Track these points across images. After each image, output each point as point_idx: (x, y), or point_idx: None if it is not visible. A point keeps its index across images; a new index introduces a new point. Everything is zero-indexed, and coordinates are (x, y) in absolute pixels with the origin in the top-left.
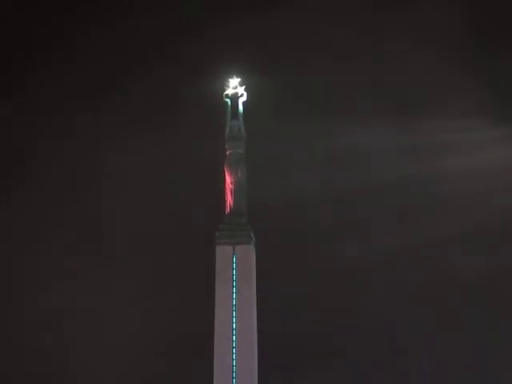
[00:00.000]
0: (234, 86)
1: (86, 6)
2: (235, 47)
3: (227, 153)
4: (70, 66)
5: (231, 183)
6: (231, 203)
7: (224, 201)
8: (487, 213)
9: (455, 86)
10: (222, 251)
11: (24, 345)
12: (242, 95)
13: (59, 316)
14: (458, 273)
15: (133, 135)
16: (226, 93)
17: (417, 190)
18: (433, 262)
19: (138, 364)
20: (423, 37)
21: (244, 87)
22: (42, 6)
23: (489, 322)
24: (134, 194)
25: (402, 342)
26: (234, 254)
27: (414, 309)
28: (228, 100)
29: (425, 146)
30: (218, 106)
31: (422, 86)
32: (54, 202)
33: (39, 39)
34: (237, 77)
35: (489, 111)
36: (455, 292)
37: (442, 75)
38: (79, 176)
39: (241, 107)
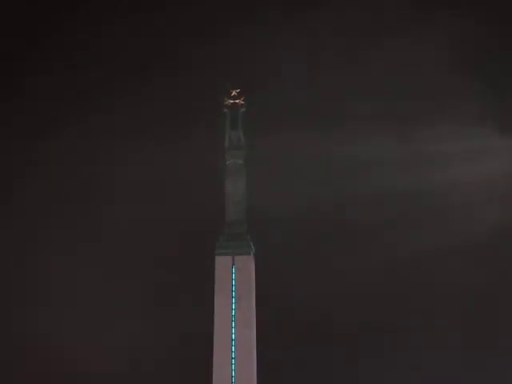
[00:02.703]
0: (234, 97)
1: (86, 13)
2: (235, 58)
3: (227, 163)
4: (70, 73)
5: (231, 193)
6: (231, 213)
7: (223, 211)
8: (486, 222)
9: (453, 95)
10: (222, 262)
11: (20, 352)
12: (241, 105)
13: (59, 325)
14: (457, 282)
15: (133, 145)
16: (225, 103)
17: (415, 199)
18: (432, 271)
19: (137, 374)
20: (426, 44)
21: (243, 98)
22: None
23: (486, 327)
24: (133, 204)
25: (402, 352)
26: (233, 265)
27: (413, 320)
28: (228, 110)
29: (423, 156)
30: (217, 116)
31: (419, 96)
32: (53, 210)
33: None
34: (236, 87)
35: (489, 120)
36: (453, 300)
37: (437, 85)
38: (78, 185)
39: (240, 117)
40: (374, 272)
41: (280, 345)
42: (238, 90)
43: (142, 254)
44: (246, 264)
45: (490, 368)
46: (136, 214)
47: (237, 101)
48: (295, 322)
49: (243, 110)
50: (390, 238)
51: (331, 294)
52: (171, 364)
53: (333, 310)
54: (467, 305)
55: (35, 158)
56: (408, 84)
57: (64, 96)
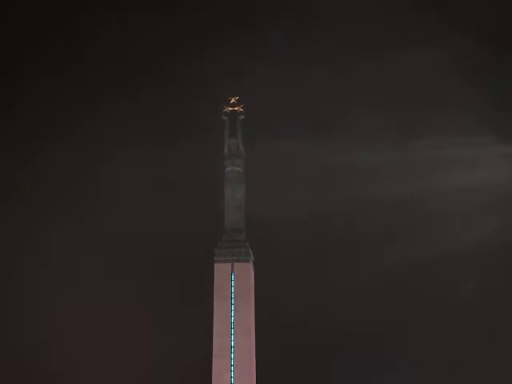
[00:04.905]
0: (233, 104)
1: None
2: (235, 66)
3: (226, 170)
4: (71, 75)
5: (230, 200)
6: (230, 221)
7: (223, 218)
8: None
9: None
10: (221, 269)
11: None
12: (240, 113)
13: (59, 326)
14: (456, 289)
15: (132, 151)
16: (224, 111)
17: (414, 207)
18: (431, 277)
19: (137, 381)
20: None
21: (242, 105)
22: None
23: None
24: (133, 211)
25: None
26: (232, 272)
27: (411, 323)
28: (227, 118)
29: (422, 164)
30: (217, 123)
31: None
32: (54, 216)
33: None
34: (236, 95)
35: (487, 129)
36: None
37: (435, 94)
38: (78, 191)
39: (239, 125)
40: (373, 278)
41: (279, 351)
42: (237, 97)
43: (142, 261)
44: (245, 271)
45: (487, 374)
46: (135, 220)
47: (236, 108)
48: (294, 328)
49: (242, 117)
50: (389, 244)
51: (330, 300)
52: (170, 370)
53: (332, 316)
54: (465, 312)
55: (35, 159)
56: (405, 93)
57: (64, 98)
